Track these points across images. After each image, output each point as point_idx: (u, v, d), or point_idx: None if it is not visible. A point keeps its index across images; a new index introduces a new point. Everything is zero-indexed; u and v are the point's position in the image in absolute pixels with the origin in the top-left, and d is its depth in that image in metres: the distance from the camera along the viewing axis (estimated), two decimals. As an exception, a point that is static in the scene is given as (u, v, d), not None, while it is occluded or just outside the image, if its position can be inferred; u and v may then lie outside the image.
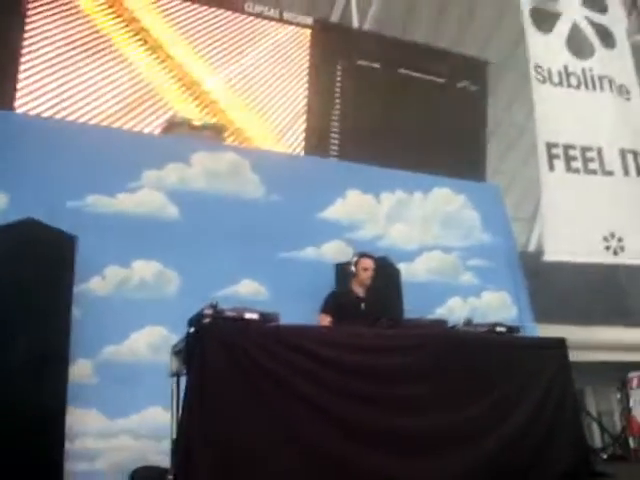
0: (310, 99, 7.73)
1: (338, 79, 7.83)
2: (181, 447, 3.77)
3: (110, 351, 5.62)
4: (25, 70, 6.55)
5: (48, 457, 4.72)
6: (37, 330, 4.82)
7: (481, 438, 4.36)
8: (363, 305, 5.40)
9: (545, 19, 8.34)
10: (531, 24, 8.21)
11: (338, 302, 5.37)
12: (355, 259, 5.62)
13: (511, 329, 5.22)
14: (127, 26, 7.08)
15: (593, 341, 8.84)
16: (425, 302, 6.68)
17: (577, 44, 8.41)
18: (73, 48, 6.80)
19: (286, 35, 7.80)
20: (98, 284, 5.79)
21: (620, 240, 7.55)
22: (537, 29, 8.23)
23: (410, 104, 8.02)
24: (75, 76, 6.77)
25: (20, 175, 5.73)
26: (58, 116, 6.58)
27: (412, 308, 6.12)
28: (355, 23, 9.39)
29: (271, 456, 3.82)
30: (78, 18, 6.88)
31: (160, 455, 5.20)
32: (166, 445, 4.87)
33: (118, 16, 7.05)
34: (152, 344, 5.71)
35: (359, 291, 5.51)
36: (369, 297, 5.49)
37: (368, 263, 5.56)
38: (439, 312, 6.85)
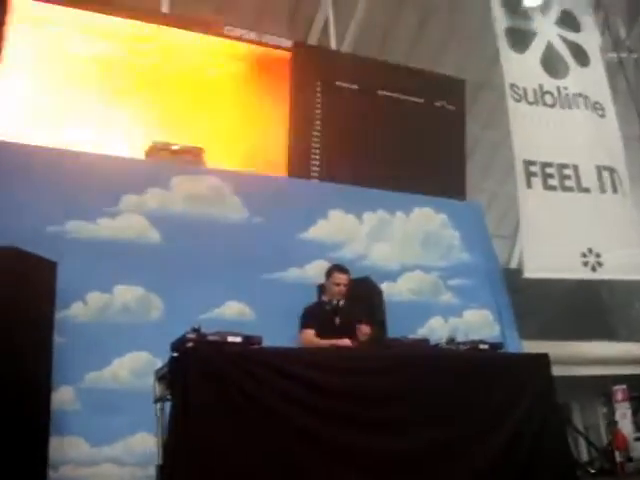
0: (291, 120, 7.75)
1: (318, 100, 7.87)
2: (166, 473, 3.75)
3: (93, 377, 5.57)
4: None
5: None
6: (18, 357, 4.78)
7: (467, 456, 4.37)
8: (337, 319, 5.38)
9: (520, 38, 8.42)
10: (506, 44, 8.30)
11: (312, 315, 5.37)
12: (328, 270, 5.65)
13: (494, 346, 5.25)
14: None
15: (578, 356, 8.89)
16: (407, 322, 6.68)
17: (552, 63, 8.49)
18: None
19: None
20: (80, 310, 5.76)
21: (598, 256, 7.62)
22: (512, 48, 8.32)
23: (389, 124, 8.07)
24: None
25: (-1, 201, 5.71)
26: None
27: (395, 328, 6.12)
28: (333, 45, 9.46)
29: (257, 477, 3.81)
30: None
31: (146, 481, 5.18)
32: (151, 471, 4.83)
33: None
34: (136, 369, 5.67)
35: (331, 303, 5.48)
36: (344, 309, 5.47)
37: (341, 278, 5.53)
38: (420, 332, 6.87)
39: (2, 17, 6.44)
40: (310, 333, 5.20)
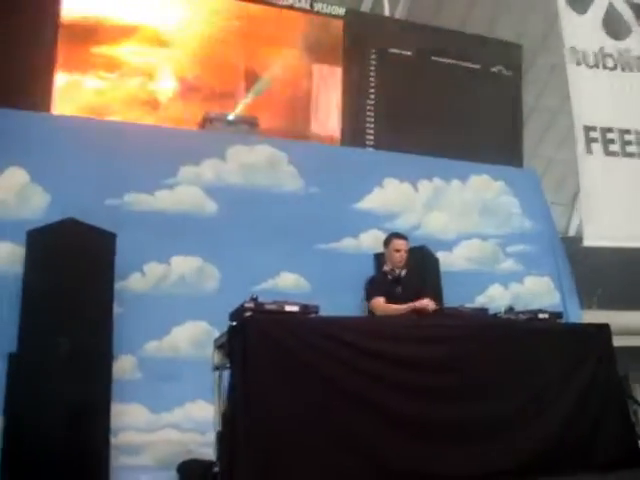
0: (344, 89, 7.70)
1: (371, 68, 7.78)
2: (226, 439, 3.81)
3: (152, 347, 5.69)
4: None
5: (94, 452, 4.80)
6: (80, 326, 4.89)
7: (526, 427, 4.31)
8: (399, 288, 5.34)
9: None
10: (566, 4, 8.05)
11: (376, 285, 5.34)
12: (387, 239, 5.56)
13: (554, 316, 5.15)
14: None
15: (637, 325, 8.70)
16: (465, 291, 6.66)
17: (613, 24, 8.22)
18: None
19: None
20: (138, 281, 5.86)
21: (660, 225, 7.41)
22: (572, 9, 8.07)
23: (444, 91, 7.93)
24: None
25: (60, 175, 5.82)
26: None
27: (452, 297, 6.08)
28: (386, 11, 9.32)
29: (314, 447, 3.83)
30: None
31: (204, 448, 5.26)
32: (210, 438, 4.93)
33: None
34: (193, 339, 5.76)
35: (392, 272, 5.45)
36: (405, 279, 5.43)
37: (400, 244, 5.44)
38: (480, 300, 6.82)
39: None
40: (381, 300, 5.17)
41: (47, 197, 5.74)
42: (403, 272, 5.42)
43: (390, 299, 5.06)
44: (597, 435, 4.54)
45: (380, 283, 5.39)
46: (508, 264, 7.36)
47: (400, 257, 5.40)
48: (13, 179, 5.75)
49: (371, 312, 5.23)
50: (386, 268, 5.52)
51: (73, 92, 6.80)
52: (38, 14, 6.51)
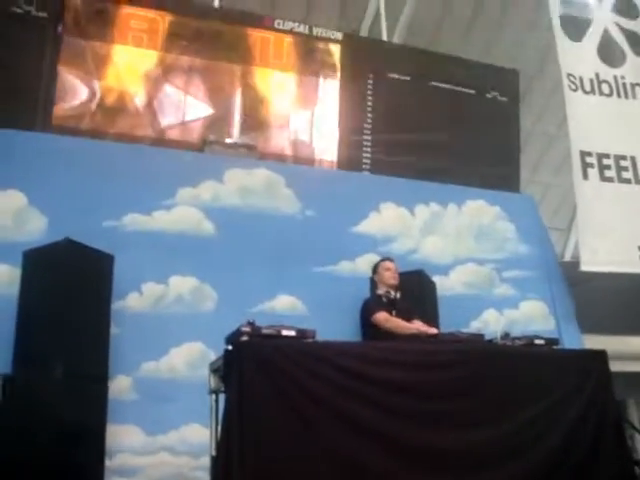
0: (341, 113, 7.74)
1: (369, 92, 7.83)
2: (220, 466, 3.78)
3: (149, 367, 5.68)
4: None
5: (88, 473, 4.77)
6: (76, 348, 4.88)
7: (522, 454, 4.29)
8: (394, 312, 5.39)
9: (576, 26, 8.26)
10: (562, 32, 8.14)
11: (377, 301, 5.41)
12: (375, 264, 5.81)
13: (550, 342, 5.16)
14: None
15: (633, 351, 8.70)
16: (460, 315, 6.66)
17: (608, 51, 8.31)
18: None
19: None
20: (135, 301, 5.87)
21: (655, 250, 7.44)
22: (568, 37, 8.16)
23: (441, 116, 7.99)
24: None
25: (58, 197, 5.85)
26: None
27: (447, 321, 6.09)
28: (384, 36, 9.41)
29: (310, 474, 3.81)
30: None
31: (198, 471, 5.28)
32: (204, 462, 4.91)
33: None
34: (190, 360, 5.75)
35: (387, 294, 5.50)
36: (399, 302, 5.49)
37: (389, 264, 5.69)
38: (475, 325, 6.81)
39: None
40: (386, 314, 5.25)
41: (44, 220, 5.75)
42: (398, 295, 5.49)
43: None
44: (594, 460, 4.52)
45: (378, 302, 5.45)
46: (503, 289, 7.38)
47: (392, 274, 5.56)
48: (10, 202, 5.77)
49: (375, 327, 5.27)
50: (380, 292, 5.59)
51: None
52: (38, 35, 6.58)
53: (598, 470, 4.49)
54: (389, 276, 5.62)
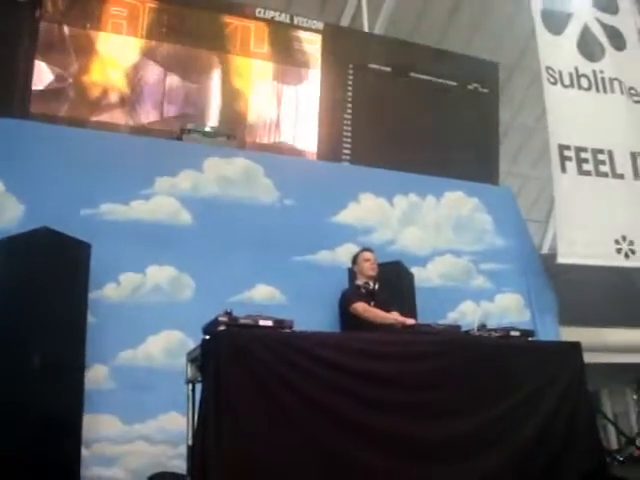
0: (321, 103, 7.74)
1: (350, 83, 7.84)
2: (197, 455, 3.78)
3: (126, 356, 5.66)
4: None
5: (65, 463, 4.76)
6: (53, 337, 4.85)
7: (498, 444, 4.34)
8: (372, 303, 5.42)
9: (556, 20, 8.28)
10: (542, 25, 8.16)
11: (355, 292, 5.42)
12: (356, 254, 5.81)
13: (526, 333, 5.21)
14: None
15: (608, 343, 8.80)
16: (437, 306, 6.72)
17: (588, 46, 8.34)
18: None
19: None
20: (113, 290, 5.84)
21: (631, 243, 7.51)
22: (548, 30, 8.19)
23: (422, 107, 8.02)
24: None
25: (35, 184, 5.79)
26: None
27: (425, 313, 6.13)
28: (366, 27, 9.40)
29: (287, 464, 3.82)
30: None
31: (176, 460, 5.28)
32: (182, 450, 4.91)
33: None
34: (168, 349, 5.75)
35: (366, 285, 5.52)
36: (378, 293, 5.52)
37: (368, 255, 5.70)
38: (451, 316, 6.87)
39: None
40: (364, 304, 5.29)
41: (21, 207, 5.70)
42: (376, 286, 5.51)
43: None
44: (567, 450, 4.59)
45: (355, 294, 5.47)
46: (479, 281, 7.43)
47: (371, 265, 5.59)
48: (-14, 189, 5.72)
49: (353, 317, 5.29)
50: (359, 282, 5.60)
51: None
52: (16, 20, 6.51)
53: (571, 460, 4.55)
54: (368, 267, 5.64)
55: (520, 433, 4.47)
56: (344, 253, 6.66)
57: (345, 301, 5.49)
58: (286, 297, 6.35)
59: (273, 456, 3.80)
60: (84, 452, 5.02)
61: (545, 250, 13.05)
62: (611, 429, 9.62)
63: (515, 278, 7.59)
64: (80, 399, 5.03)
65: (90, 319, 5.32)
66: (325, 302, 5.89)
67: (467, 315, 6.90)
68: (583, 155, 7.74)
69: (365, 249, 5.91)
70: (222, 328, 4.03)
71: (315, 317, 5.53)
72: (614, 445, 9.23)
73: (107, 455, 5.38)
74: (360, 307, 5.32)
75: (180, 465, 5.08)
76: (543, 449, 4.50)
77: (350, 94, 7.84)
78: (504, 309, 7.35)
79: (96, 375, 5.45)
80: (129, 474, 5.36)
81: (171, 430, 5.43)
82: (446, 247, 7.39)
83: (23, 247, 5.04)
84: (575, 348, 5.04)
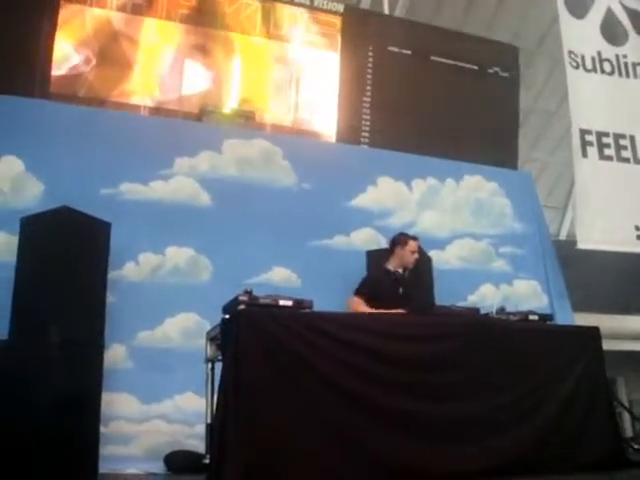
0: (341, 86, 7.70)
1: (369, 66, 7.79)
2: (217, 432, 3.81)
3: (144, 336, 5.71)
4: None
5: (83, 441, 4.78)
6: (73, 316, 4.87)
7: (514, 427, 4.36)
8: (401, 289, 5.37)
9: (579, 4, 8.20)
10: (565, 9, 8.09)
11: (376, 283, 5.34)
12: (401, 239, 5.57)
13: (544, 317, 5.20)
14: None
15: (626, 330, 8.77)
16: (457, 289, 6.70)
17: (611, 30, 8.26)
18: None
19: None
20: (132, 270, 5.89)
21: (652, 230, 7.46)
22: (571, 14, 8.10)
23: (441, 91, 7.95)
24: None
25: (55, 164, 5.83)
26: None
27: (444, 295, 6.10)
28: (386, 9, 9.33)
29: (305, 440, 3.85)
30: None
31: (193, 439, 5.32)
32: (199, 430, 4.97)
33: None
34: (185, 330, 5.78)
35: (397, 273, 5.47)
36: (408, 280, 5.46)
37: (415, 246, 5.53)
38: (471, 299, 6.86)
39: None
40: (359, 301, 5.19)
41: (41, 186, 5.74)
42: (406, 273, 5.46)
43: (391, 299, 5.04)
44: (583, 435, 4.60)
45: (374, 283, 5.38)
46: (499, 264, 7.39)
47: (415, 259, 5.46)
48: (8, 168, 5.75)
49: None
50: (390, 267, 5.51)
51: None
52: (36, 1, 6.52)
53: (587, 443, 4.54)
54: (412, 258, 5.49)
55: (537, 416, 4.48)
56: (361, 237, 6.68)
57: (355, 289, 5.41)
58: (302, 280, 6.36)
59: (292, 435, 3.83)
60: (102, 430, 5.03)
61: (563, 237, 12.97)
62: (626, 416, 9.56)
63: (533, 263, 7.54)
64: (99, 378, 5.03)
65: (110, 298, 5.32)
66: (341, 286, 5.84)
67: (487, 298, 6.89)
68: (605, 140, 7.68)
69: (413, 237, 5.63)
70: (242, 307, 4.05)
71: (330, 300, 5.51)
72: (629, 432, 9.18)
73: (125, 433, 5.43)
74: (352, 303, 5.24)
75: (196, 444, 5.14)
76: (560, 431, 4.51)
77: (370, 77, 7.78)
78: (522, 293, 7.30)
79: (115, 354, 5.49)
80: (146, 452, 5.41)
81: (187, 410, 5.50)
82: (465, 230, 7.36)
83: (44, 226, 5.04)
84: (593, 332, 5.03)
